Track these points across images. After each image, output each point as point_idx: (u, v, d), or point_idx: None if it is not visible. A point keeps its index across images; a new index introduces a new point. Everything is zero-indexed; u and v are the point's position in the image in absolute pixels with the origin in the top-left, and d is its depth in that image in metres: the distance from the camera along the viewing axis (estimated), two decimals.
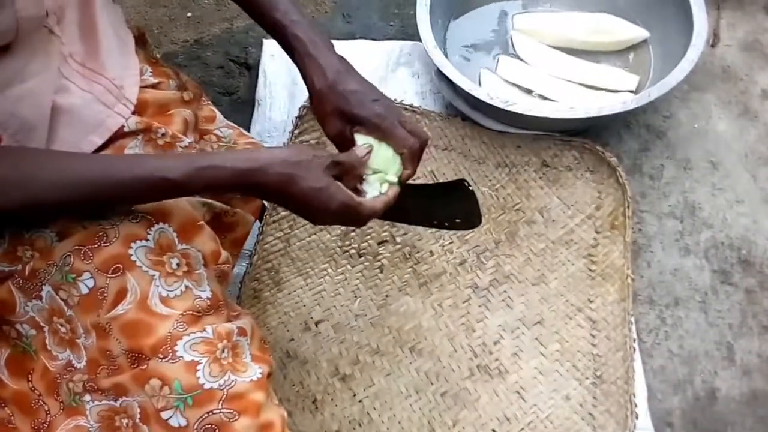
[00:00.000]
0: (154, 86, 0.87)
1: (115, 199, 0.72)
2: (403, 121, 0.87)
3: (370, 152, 0.85)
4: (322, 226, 1.31)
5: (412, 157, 0.87)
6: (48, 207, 0.70)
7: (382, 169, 0.85)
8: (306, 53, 0.86)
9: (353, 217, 0.81)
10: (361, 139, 0.85)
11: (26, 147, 0.72)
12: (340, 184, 0.79)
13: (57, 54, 0.74)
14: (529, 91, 1.43)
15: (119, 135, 0.79)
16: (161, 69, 0.91)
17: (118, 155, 0.78)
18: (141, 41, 0.92)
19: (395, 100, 1.42)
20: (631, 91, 1.39)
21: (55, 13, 0.72)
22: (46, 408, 0.74)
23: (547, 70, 1.45)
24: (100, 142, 0.78)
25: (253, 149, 0.76)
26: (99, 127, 0.78)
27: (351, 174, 0.83)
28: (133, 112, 0.81)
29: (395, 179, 0.86)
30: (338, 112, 0.86)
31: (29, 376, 0.75)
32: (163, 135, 0.82)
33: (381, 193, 0.85)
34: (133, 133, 0.80)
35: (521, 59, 1.47)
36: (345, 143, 0.87)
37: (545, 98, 1.42)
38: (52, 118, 0.73)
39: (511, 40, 1.50)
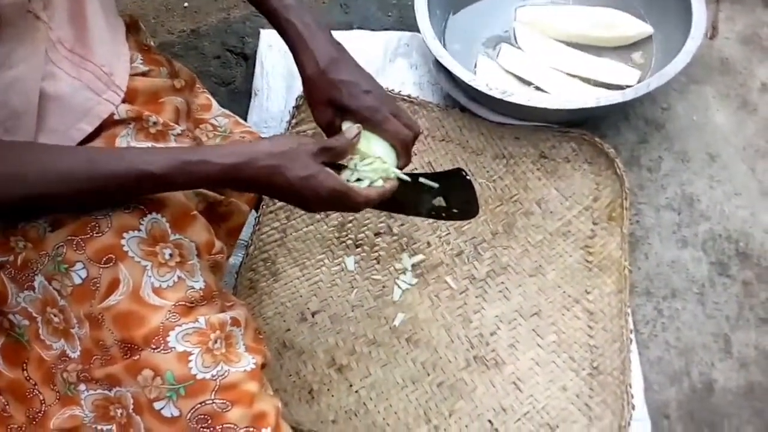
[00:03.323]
0: (144, 74, 0.86)
1: (101, 194, 0.71)
2: (396, 113, 0.86)
3: (359, 135, 0.83)
4: (319, 217, 1.30)
5: (405, 149, 0.87)
6: (32, 202, 0.70)
7: (376, 161, 0.84)
8: (298, 38, 0.85)
9: (345, 203, 0.80)
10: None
11: (8, 141, 0.71)
12: (329, 170, 0.79)
13: (44, 40, 0.73)
14: (527, 83, 1.42)
15: (110, 123, 0.79)
16: (153, 56, 0.90)
17: (103, 149, 0.77)
18: (133, 28, 0.92)
19: (392, 91, 1.41)
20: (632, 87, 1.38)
21: None
22: (41, 397, 0.75)
23: (548, 61, 1.44)
24: (89, 129, 0.77)
25: (238, 142, 0.75)
26: (88, 115, 0.77)
27: (342, 158, 0.82)
28: (124, 100, 0.81)
29: (391, 171, 0.86)
30: (329, 101, 0.85)
31: (24, 365, 0.75)
32: (154, 123, 0.81)
33: (375, 184, 0.84)
34: (124, 122, 0.79)
35: (523, 51, 1.47)
36: (335, 132, 0.86)
37: (543, 91, 1.41)
38: (40, 106, 0.73)
39: (514, 31, 1.49)
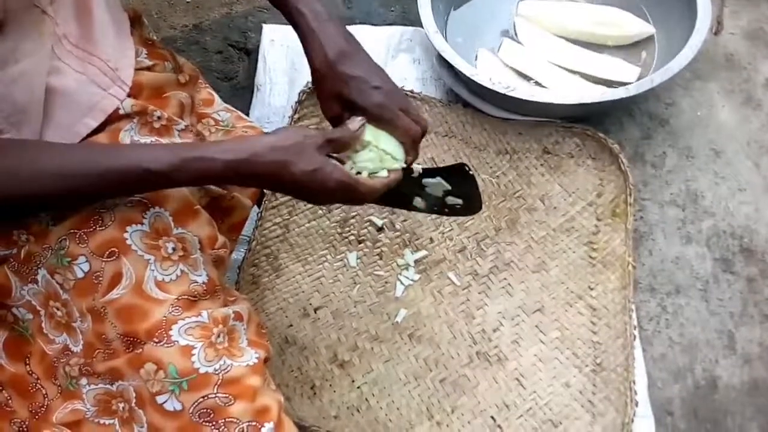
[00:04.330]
0: (149, 68, 0.86)
1: (101, 191, 0.71)
2: (406, 108, 0.84)
3: (363, 125, 0.82)
4: (322, 213, 1.30)
5: (413, 145, 0.86)
6: (31, 200, 0.69)
7: (374, 150, 0.83)
8: (308, 28, 0.83)
9: (352, 195, 0.79)
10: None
11: (9, 138, 0.71)
12: (335, 162, 0.78)
13: (50, 35, 0.73)
14: (527, 78, 1.42)
15: (114, 118, 0.78)
16: (157, 51, 0.90)
17: (105, 145, 0.76)
18: (137, 23, 0.91)
19: None
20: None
21: None
22: (44, 391, 0.75)
23: (548, 57, 1.43)
24: (94, 124, 0.77)
25: (242, 137, 0.74)
26: (93, 110, 0.77)
27: (347, 149, 0.81)
28: (129, 95, 0.80)
29: (397, 165, 0.85)
30: (337, 95, 0.83)
31: (27, 359, 0.75)
32: (159, 118, 0.81)
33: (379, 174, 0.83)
34: (128, 116, 0.79)
35: (523, 45, 1.46)
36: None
37: (542, 86, 1.41)
38: (46, 100, 0.72)
39: (514, 25, 1.49)
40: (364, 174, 0.82)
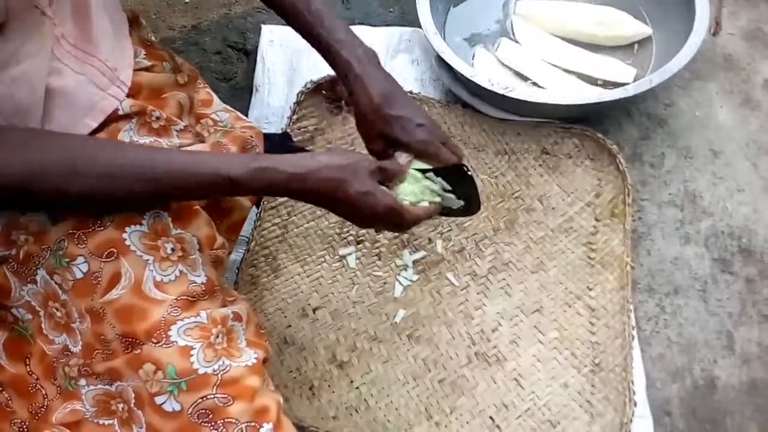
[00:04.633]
0: (148, 69, 0.86)
1: (173, 194, 0.73)
2: (445, 140, 0.90)
3: (411, 161, 0.88)
4: (320, 213, 1.30)
5: None
6: (100, 198, 0.71)
7: (423, 188, 0.89)
8: (353, 74, 0.87)
9: (398, 221, 0.83)
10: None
11: (76, 135, 0.74)
12: (384, 188, 0.82)
13: (50, 36, 0.73)
14: (524, 78, 1.42)
15: (113, 118, 0.79)
16: (155, 51, 0.90)
17: (177, 150, 0.80)
18: (135, 23, 0.91)
19: None
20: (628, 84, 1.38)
21: None
22: (44, 392, 0.75)
23: (545, 56, 1.43)
24: (94, 125, 0.77)
25: (302, 155, 0.78)
26: (93, 110, 0.77)
27: (393, 180, 0.86)
28: (128, 95, 0.81)
29: (437, 198, 0.90)
30: (383, 135, 0.88)
31: (27, 359, 0.75)
32: (157, 118, 0.81)
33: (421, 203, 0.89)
34: (127, 116, 0.79)
35: (520, 44, 1.46)
36: (387, 159, 0.89)
37: (539, 87, 1.41)
38: (46, 101, 0.72)
39: (512, 25, 1.49)
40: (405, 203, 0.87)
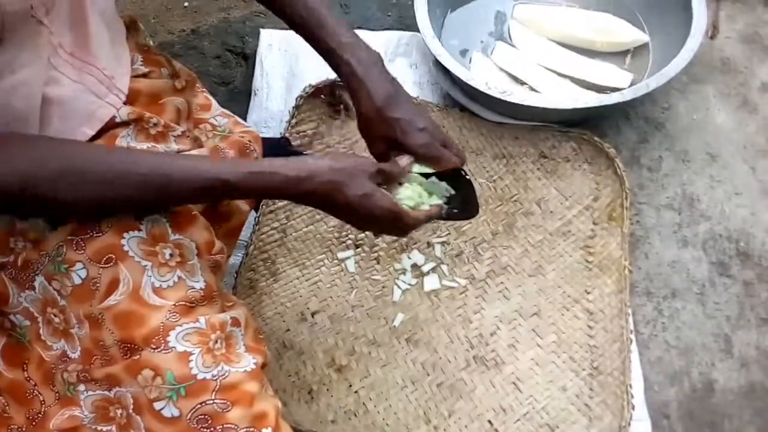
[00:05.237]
0: (145, 75, 0.86)
1: (171, 199, 0.74)
2: (447, 144, 0.90)
3: (411, 163, 0.87)
4: (319, 217, 1.30)
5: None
6: (102, 206, 0.71)
7: (423, 192, 0.89)
8: (354, 76, 0.87)
9: (397, 224, 0.83)
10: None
11: (75, 140, 0.74)
12: (384, 191, 0.81)
13: (46, 45, 0.73)
14: (521, 82, 1.42)
15: (111, 125, 0.79)
16: (153, 57, 0.90)
17: (174, 155, 0.80)
18: (132, 29, 0.91)
19: None
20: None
21: (44, 3, 0.71)
22: (41, 398, 0.74)
23: (541, 60, 1.44)
24: (91, 133, 0.77)
25: (301, 158, 0.78)
26: (90, 118, 0.77)
27: (393, 182, 0.85)
28: (125, 102, 0.81)
29: (437, 201, 0.90)
30: (384, 138, 0.88)
31: (24, 365, 0.75)
32: (155, 125, 0.81)
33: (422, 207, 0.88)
34: (125, 123, 0.79)
35: (517, 48, 1.47)
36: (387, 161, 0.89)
37: (535, 91, 1.41)
38: (43, 110, 0.72)
39: (509, 29, 1.49)
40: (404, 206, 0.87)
